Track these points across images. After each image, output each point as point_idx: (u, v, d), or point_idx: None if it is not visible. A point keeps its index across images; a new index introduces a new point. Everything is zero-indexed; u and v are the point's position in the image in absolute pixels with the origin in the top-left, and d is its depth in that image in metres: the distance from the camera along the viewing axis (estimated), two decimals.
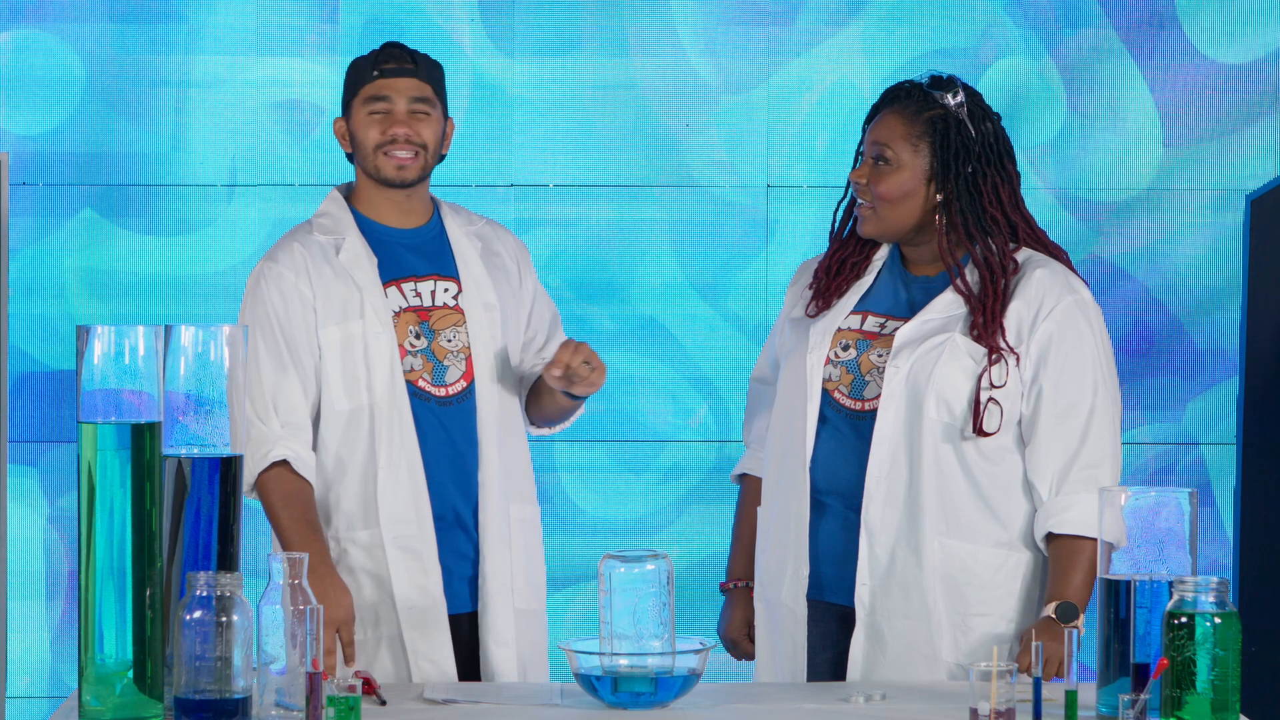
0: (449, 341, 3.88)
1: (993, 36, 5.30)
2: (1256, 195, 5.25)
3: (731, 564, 3.91)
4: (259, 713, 3.01)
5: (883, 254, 3.73)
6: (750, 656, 3.84)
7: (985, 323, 3.55)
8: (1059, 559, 3.52)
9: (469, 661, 3.89)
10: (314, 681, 2.91)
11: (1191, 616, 2.90)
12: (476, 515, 3.88)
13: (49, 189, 5.26)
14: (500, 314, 3.93)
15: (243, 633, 2.91)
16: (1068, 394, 3.55)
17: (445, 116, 3.96)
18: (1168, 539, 3.07)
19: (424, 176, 3.91)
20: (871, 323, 3.66)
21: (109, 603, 2.90)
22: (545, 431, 4.10)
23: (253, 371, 3.79)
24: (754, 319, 5.31)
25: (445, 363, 3.88)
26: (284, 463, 3.80)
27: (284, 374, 3.81)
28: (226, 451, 3.07)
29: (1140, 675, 3.02)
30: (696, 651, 3.23)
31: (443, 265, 3.94)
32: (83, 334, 2.92)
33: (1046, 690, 3.14)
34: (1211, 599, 2.90)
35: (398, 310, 3.88)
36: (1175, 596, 2.92)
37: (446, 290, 3.92)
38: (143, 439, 2.92)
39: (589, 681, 3.22)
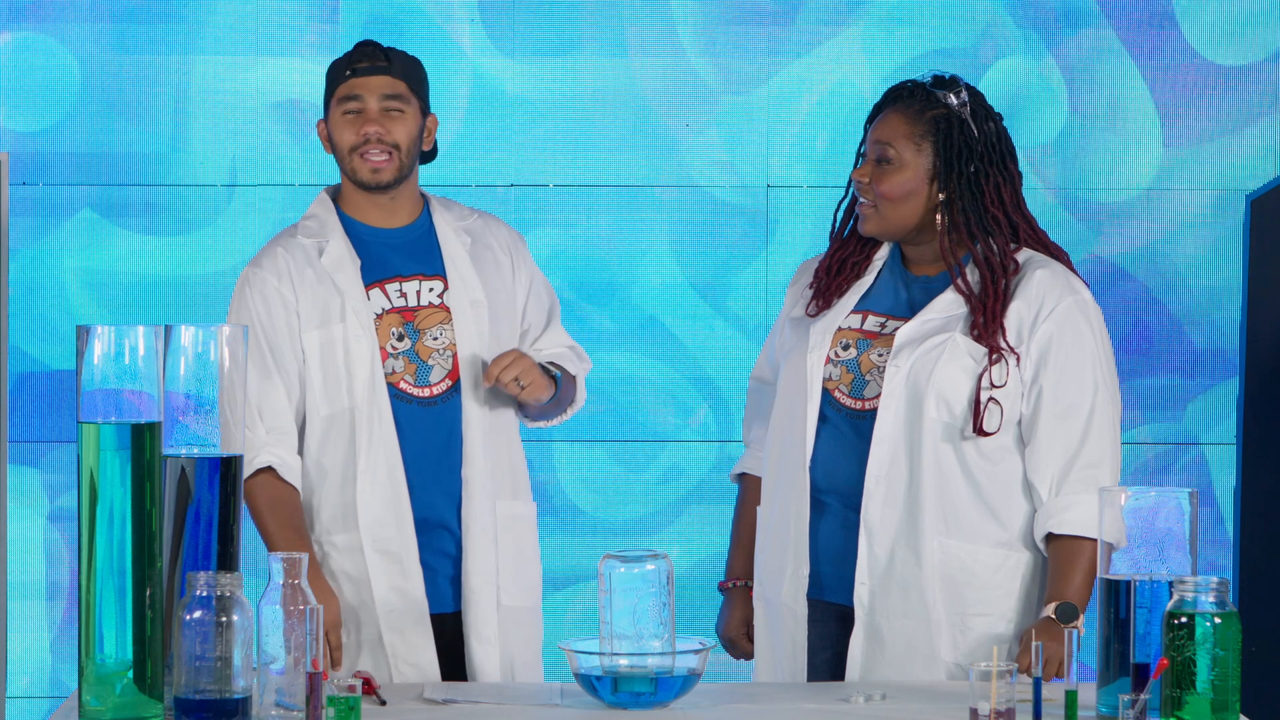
0: (434, 340, 3.88)
1: (993, 37, 5.30)
2: (1256, 195, 5.25)
3: (730, 563, 3.91)
4: (259, 713, 3.01)
5: (883, 253, 3.73)
6: (749, 656, 3.84)
7: (986, 322, 3.55)
8: (1059, 559, 3.52)
9: (454, 660, 3.89)
10: (314, 681, 2.91)
11: (1191, 616, 2.90)
12: (460, 514, 3.88)
13: (49, 189, 5.26)
14: (488, 310, 3.92)
15: (243, 633, 2.91)
16: (1068, 394, 3.55)
17: (425, 113, 3.93)
18: (1168, 539, 3.07)
19: (402, 177, 3.89)
20: (872, 322, 3.66)
21: (109, 603, 2.90)
22: (541, 425, 4.08)
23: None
24: (754, 319, 5.31)
25: (430, 362, 3.87)
26: (269, 469, 3.80)
27: (268, 380, 3.81)
28: (227, 452, 3.07)
29: (1140, 675, 3.02)
30: (696, 651, 3.23)
31: (429, 264, 3.93)
32: (83, 334, 2.92)
33: (1046, 690, 3.14)
34: (1211, 599, 2.90)
35: (380, 312, 3.87)
36: (1175, 596, 2.92)
37: (432, 289, 3.91)
38: (143, 439, 2.92)
39: (589, 681, 3.22)
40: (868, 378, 3.61)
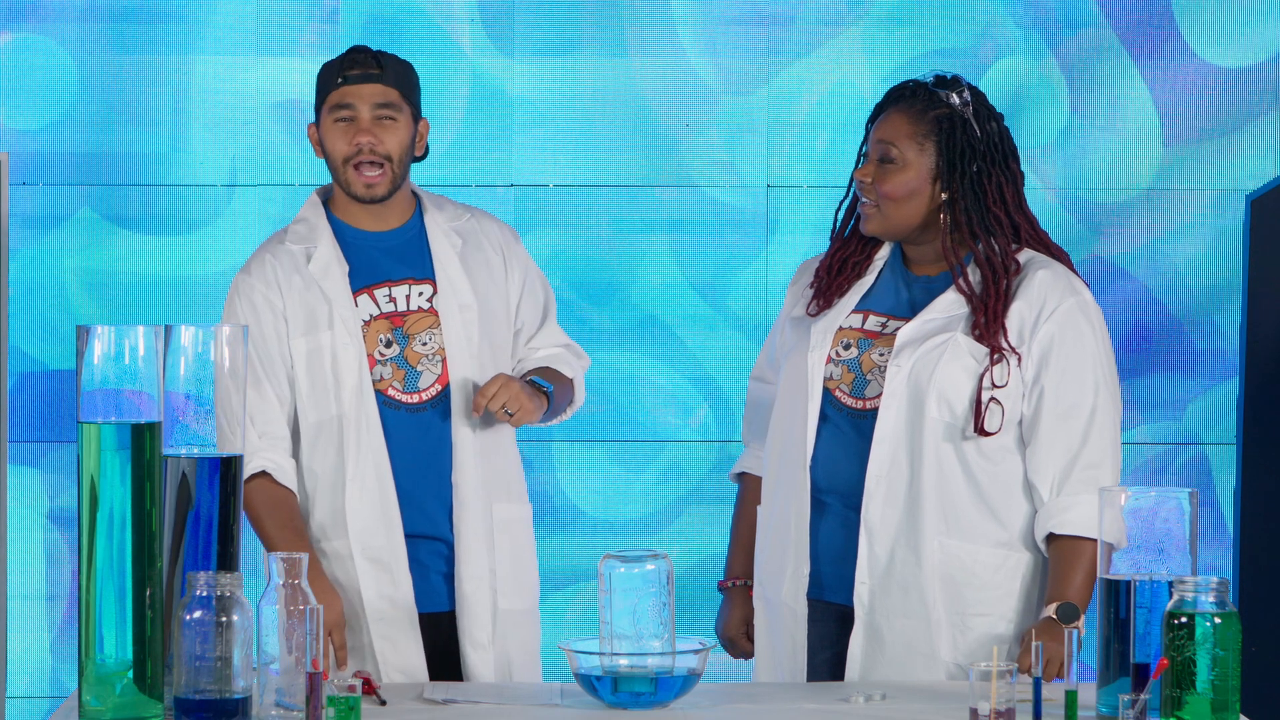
0: (424, 345, 3.87)
1: (993, 37, 5.30)
2: (1256, 195, 5.25)
3: (730, 563, 3.91)
4: (259, 713, 3.01)
5: (884, 253, 3.73)
6: (749, 655, 3.84)
7: (987, 323, 3.55)
8: (1060, 559, 3.52)
9: (449, 660, 3.89)
10: (314, 681, 2.91)
11: (1191, 616, 2.90)
12: (452, 519, 3.88)
13: (49, 189, 5.26)
14: (477, 314, 3.91)
15: (243, 633, 2.91)
16: (1069, 395, 3.55)
17: (416, 119, 3.91)
18: (1168, 539, 3.07)
19: (395, 189, 3.88)
20: (873, 322, 3.66)
21: (109, 603, 2.90)
22: (541, 424, 4.07)
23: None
24: (754, 319, 5.31)
25: (419, 368, 3.86)
26: (264, 473, 3.79)
27: (258, 386, 3.80)
28: (227, 451, 3.07)
29: (1140, 675, 3.02)
30: (696, 651, 3.23)
31: (418, 267, 3.92)
32: (83, 334, 2.92)
33: (1046, 690, 3.13)
34: (1211, 599, 2.90)
35: (368, 319, 3.86)
36: (1175, 596, 2.92)
37: (421, 293, 3.90)
38: (143, 439, 2.92)
39: (589, 681, 3.22)
40: (869, 377, 3.61)
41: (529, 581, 4.00)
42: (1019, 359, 3.56)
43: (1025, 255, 3.64)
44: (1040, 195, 5.24)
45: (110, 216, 5.26)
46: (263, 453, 3.79)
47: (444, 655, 3.89)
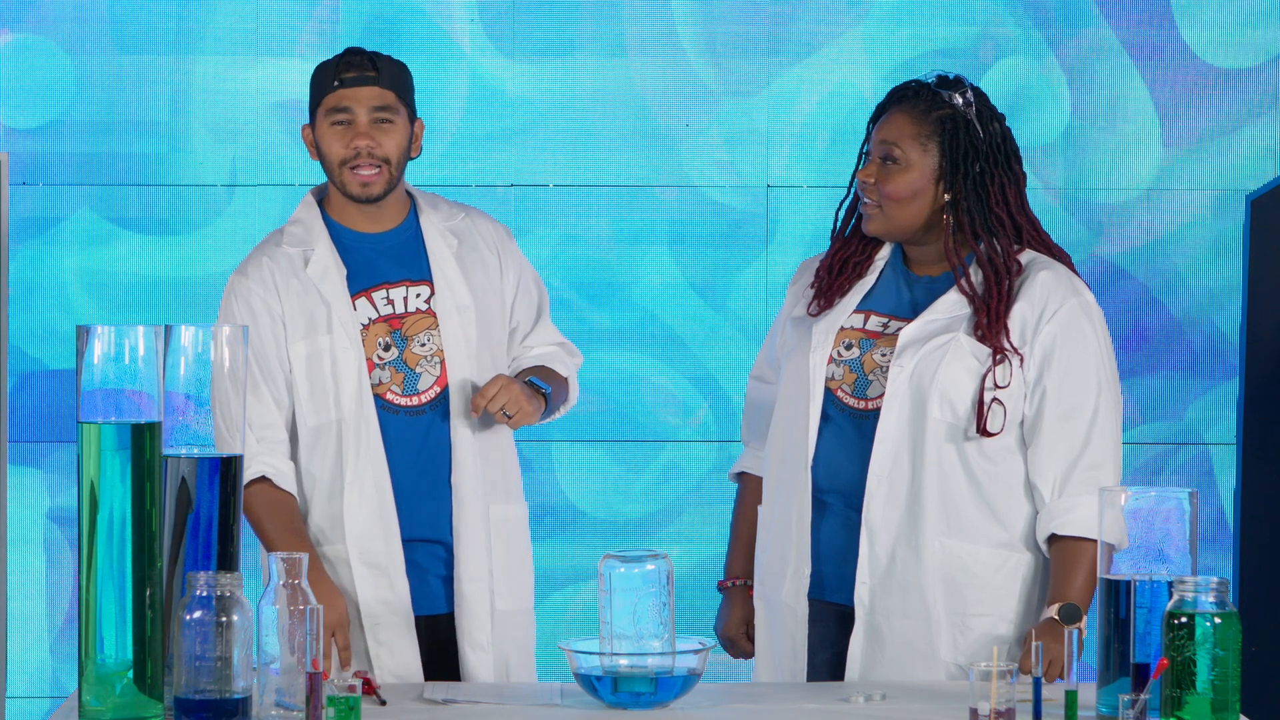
0: (422, 346, 3.87)
1: (993, 37, 5.30)
2: (1256, 195, 5.25)
3: (730, 562, 3.91)
4: (259, 713, 3.01)
5: (885, 253, 3.73)
6: (748, 655, 3.84)
7: (989, 323, 3.55)
8: (1061, 560, 3.52)
9: (447, 662, 3.89)
10: (314, 681, 2.91)
11: (1191, 616, 2.90)
12: (451, 520, 3.87)
13: (49, 189, 5.26)
14: (475, 314, 3.90)
15: (243, 633, 2.91)
16: (1071, 396, 3.55)
17: (412, 120, 3.91)
18: (1168, 539, 3.07)
19: (391, 189, 3.87)
20: (874, 322, 3.66)
21: (109, 603, 2.90)
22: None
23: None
24: (754, 319, 5.31)
25: (418, 370, 3.86)
26: (264, 478, 3.79)
27: (255, 390, 3.79)
28: (227, 451, 3.07)
29: (1140, 675, 3.02)
30: (696, 651, 3.23)
31: (415, 269, 3.91)
32: (83, 334, 2.92)
33: (1046, 690, 3.13)
34: (1211, 599, 2.90)
35: (367, 322, 3.86)
36: (1175, 596, 2.92)
37: (419, 295, 3.90)
38: (143, 439, 2.92)
39: (589, 681, 3.22)
40: (871, 377, 3.61)
41: (525, 581, 4.00)
42: (1021, 360, 3.56)
43: (1027, 256, 3.64)
44: (1040, 196, 5.24)
45: (110, 217, 5.26)
46: (261, 457, 3.79)
47: (442, 657, 3.89)
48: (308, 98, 3.91)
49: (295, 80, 5.24)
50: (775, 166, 5.33)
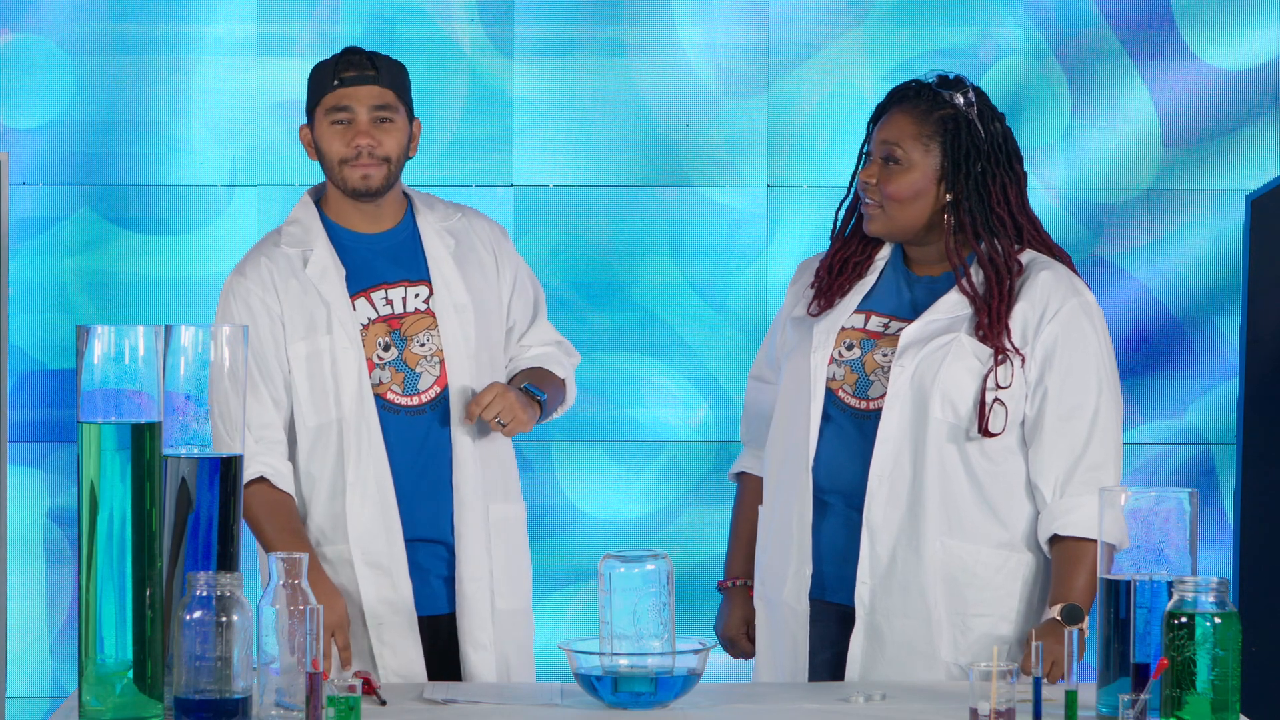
0: (422, 346, 3.87)
1: (993, 37, 5.30)
2: (1256, 195, 5.25)
3: (729, 562, 3.90)
4: (259, 713, 3.01)
5: (885, 253, 3.73)
6: (749, 655, 3.84)
7: (991, 323, 3.55)
8: (1063, 561, 3.52)
9: (449, 662, 3.89)
10: (314, 681, 2.91)
11: (1191, 616, 2.90)
12: (453, 520, 3.87)
13: (49, 189, 5.26)
14: (473, 313, 3.90)
15: (243, 633, 2.91)
16: (1072, 396, 3.55)
17: (410, 119, 3.91)
18: (1168, 539, 3.07)
19: (390, 185, 3.88)
20: (875, 323, 3.66)
21: (109, 603, 2.90)
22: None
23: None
24: (754, 319, 5.31)
25: (418, 369, 3.86)
26: (262, 479, 3.79)
27: (254, 390, 3.79)
28: (226, 452, 3.07)
29: (1140, 675, 3.02)
30: (696, 651, 3.23)
31: (413, 269, 3.91)
32: (83, 334, 2.92)
33: (1046, 690, 3.13)
34: (1211, 599, 2.90)
35: (367, 322, 3.86)
36: (1175, 596, 2.92)
37: (418, 295, 3.90)
38: (143, 439, 2.92)
39: (589, 681, 3.22)
40: (872, 378, 3.61)
41: (524, 581, 4.00)
42: (1022, 360, 3.56)
43: (1027, 256, 3.64)
44: (1041, 196, 5.24)
45: (110, 217, 5.26)
46: (260, 457, 3.79)
47: (444, 658, 3.89)
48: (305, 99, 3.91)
49: (295, 80, 5.22)
50: (775, 167, 5.33)
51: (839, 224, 3.76)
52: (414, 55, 5.09)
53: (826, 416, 3.63)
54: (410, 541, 3.84)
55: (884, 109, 3.66)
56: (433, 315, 3.88)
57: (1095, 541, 3.38)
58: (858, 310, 3.68)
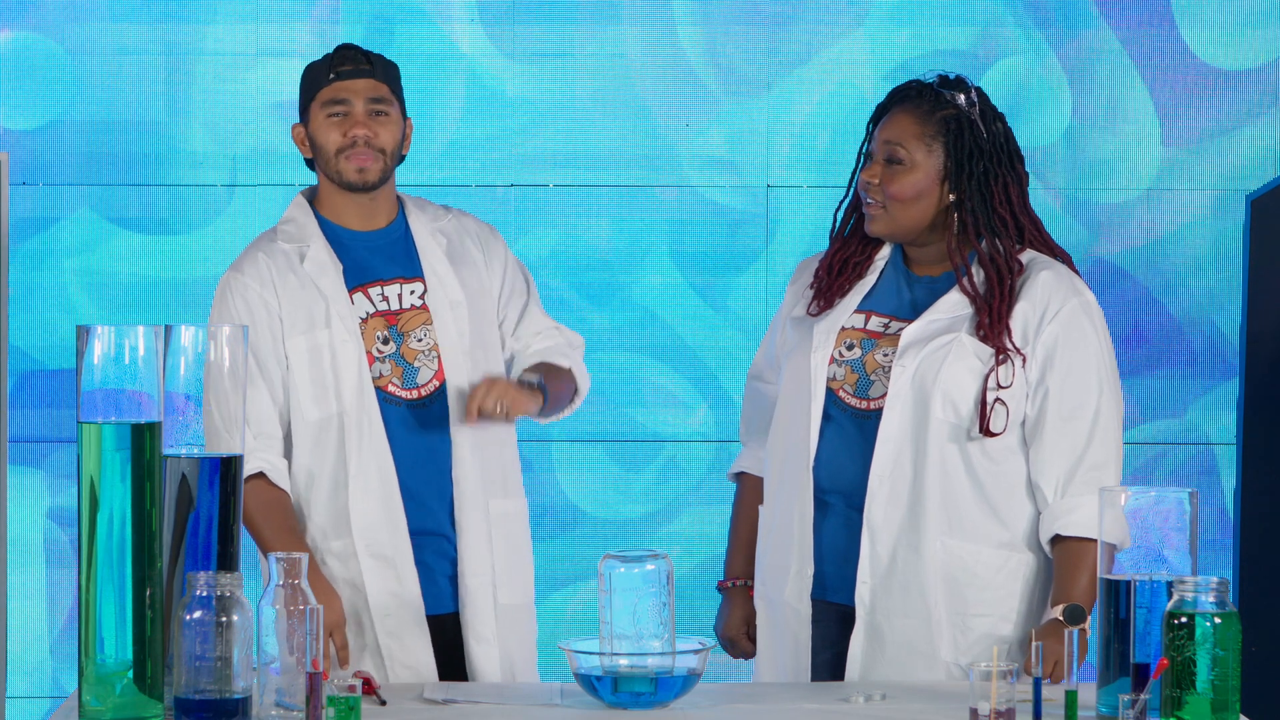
0: (419, 341, 3.88)
1: (993, 37, 5.30)
2: (1256, 195, 5.25)
3: (729, 562, 3.90)
4: (259, 713, 3.01)
5: (884, 253, 3.73)
6: (748, 655, 3.84)
7: (992, 323, 3.55)
8: (1065, 561, 3.52)
9: (454, 661, 3.89)
10: (314, 681, 2.91)
11: (1191, 616, 2.89)
12: (454, 515, 3.88)
13: (48, 189, 5.26)
14: (467, 310, 3.91)
15: (243, 633, 2.91)
16: (1073, 396, 3.55)
17: (404, 117, 3.93)
18: (1168, 539, 3.07)
19: (386, 178, 3.89)
20: (875, 323, 3.66)
21: (109, 603, 2.90)
22: (554, 419, 4.04)
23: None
24: (754, 319, 5.31)
25: (416, 364, 3.87)
26: (260, 475, 3.79)
27: (251, 385, 3.79)
28: (227, 452, 3.07)
29: (1140, 675, 3.02)
30: (696, 651, 3.23)
31: (408, 266, 3.92)
32: (83, 334, 2.92)
33: (1046, 690, 3.13)
34: (1211, 599, 2.90)
35: (365, 316, 3.87)
36: (1175, 596, 2.92)
37: (413, 291, 3.91)
38: (143, 439, 2.92)
39: (589, 681, 3.22)
40: (873, 377, 3.61)
41: (525, 576, 4.00)
42: (1023, 360, 3.56)
43: (1027, 255, 3.64)
44: (1041, 196, 5.24)
45: (110, 217, 5.26)
46: (258, 453, 3.79)
47: (450, 656, 3.89)
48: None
49: (295, 81, 5.19)
50: (775, 166, 5.33)
51: (838, 224, 3.76)
52: (414, 56, 5.10)
53: (827, 416, 3.63)
54: (415, 535, 3.84)
55: (885, 109, 3.66)
56: (428, 311, 3.89)
57: (1097, 541, 3.39)
58: (858, 310, 3.68)
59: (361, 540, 3.83)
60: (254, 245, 3.93)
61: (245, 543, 3.25)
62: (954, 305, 3.60)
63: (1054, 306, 3.56)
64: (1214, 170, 5.34)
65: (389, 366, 3.86)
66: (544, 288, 4.13)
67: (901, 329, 3.61)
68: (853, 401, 3.62)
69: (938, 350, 3.56)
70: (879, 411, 3.58)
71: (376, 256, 3.92)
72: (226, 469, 3.06)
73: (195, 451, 3.05)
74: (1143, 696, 2.94)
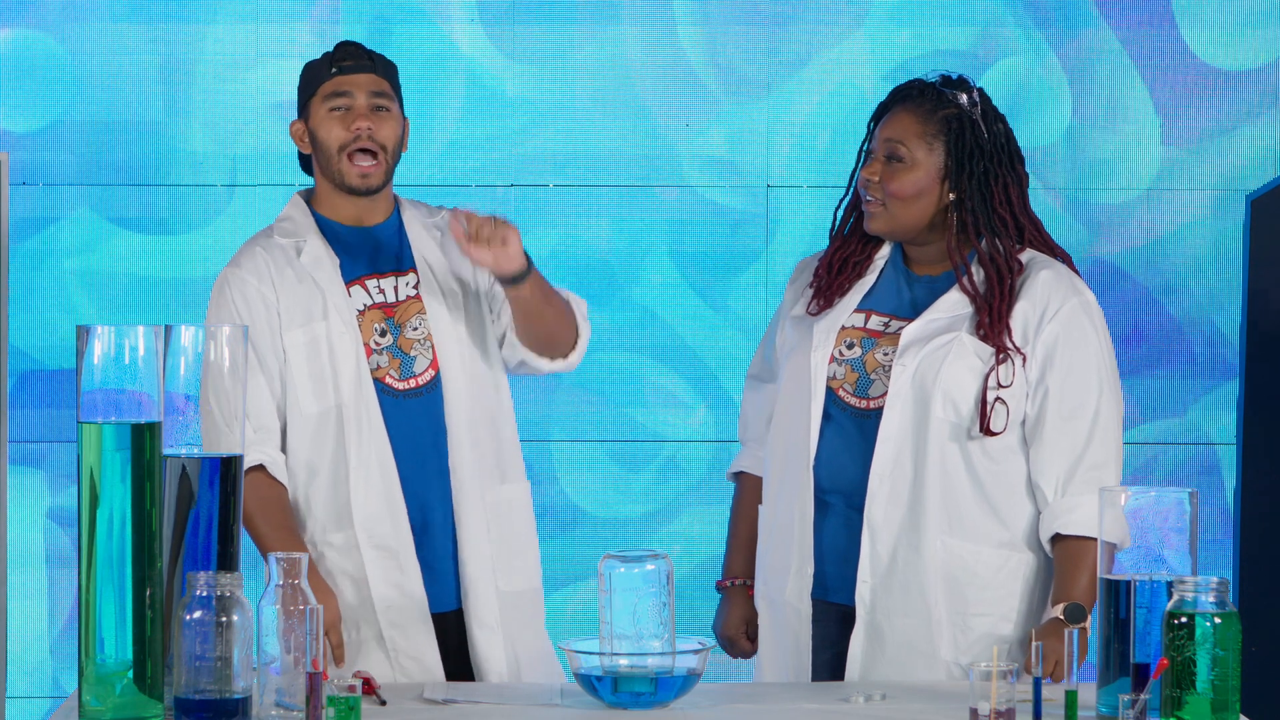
0: (414, 331, 3.88)
1: (993, 37, 5.30)
2: (1256, 195, 5.25)
3: (728, 562, 3.90)
4: (259, 713, 3.01)
5: (884, 253, 3.73)
6: (748, 655, 3.84)
7: (992, 322, 3.55)
8: (1065, 560, 3.52)
9: (459, 657, 3.89)
10: (314, 681, 2.91)
11: (1191, 616, 2.90)
12: (453, 504, 3.88)
13: (48, 189, 5.26)
14: (462, 299, 3.92)
15: (243, 633, 2.91)
16: (1074, 395, 3.55)
17: (403, 115, 3.93)
18: (1168, 539, 3.07)
19: (388, 180, 3.90)
20: (875, 322, 3.66)
21: (109, 603, 2.90)
22: (560, 365, 3.95)
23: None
24: (754, 319, 5.31)
25: (412, 354, 3.88)
26: (259, 468, 3.79)
27: (251, 379, 3.79)
28: (226, 451, 3.07)
29: (1140, 675, 3.02)
30: (696, 651, 3.23)
31: (403, 259, 3.93)
32: (83, 334, 2.92)
33: (1046, 690, 3.13)
34: (1211, 599, 2.90)
35: (362, 309, 3.87)
36: (1175, 596, 2.92)
37: (408, 283, 3.92)
38: (143, 439, 2.92)
39: (589, 681, 3.22)
40: (873, 377, 3.61)
41: (530, 562, 3.99)
42: (1023, 359, 3.56)
43: (1027, 255, 3.64)
44: (1041, 196, 5.24)
45: (109, 217, 5.26)
46: (257, 446, 3.79)
47: (455, 653, 3.89)
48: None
49: (295, 81, 5.22)
50: (775, 166, 5.33)
51: (838, 223, 3.76)
52: (413, 56, 5.10)
53: (827, 416, 3.63)
54: (415, 517, 3.84)
55: (886, 108, 3.67)
56: (422, 300, 3.89)
57: (1097, 540, 3.39)
58: (858, 309, 3.68)
59: (363, 532, 3.83)
60: (251, 241, 3.95)
61: (245, 543, 3.25)
62: (954, 304, 3.60)
63: (1054, 306, 3.56)
64: (1214, 170, 5.34)
65: (386, 358, 3.86)
66: None
67: (901, 328, 3.61)
68: (853, 401, 3.62)
69: (938, 349, 3.57)
70: (879, 411, 3.58)
71: (372, 250, 3.93)
72: (226, 469, 3.06)
73: (195, 451, 3.05)
74: (1143, 696, 2.94)
